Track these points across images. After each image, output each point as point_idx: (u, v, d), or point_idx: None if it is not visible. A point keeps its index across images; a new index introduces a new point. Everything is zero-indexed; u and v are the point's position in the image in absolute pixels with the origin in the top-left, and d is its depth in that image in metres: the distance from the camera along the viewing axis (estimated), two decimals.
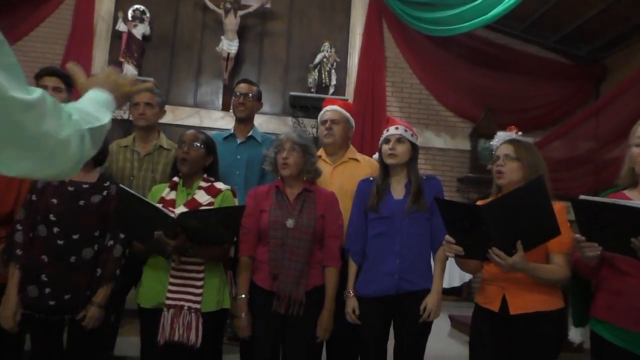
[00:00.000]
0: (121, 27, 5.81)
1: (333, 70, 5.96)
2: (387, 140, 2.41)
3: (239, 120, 3.06)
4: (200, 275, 2.19)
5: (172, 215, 2.05)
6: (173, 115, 5.83)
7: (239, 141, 3.02)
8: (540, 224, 1.87)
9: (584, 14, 5.67)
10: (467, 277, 5.45)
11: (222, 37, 5.87)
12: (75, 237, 2.16)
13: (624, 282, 1.83)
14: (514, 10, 4.44)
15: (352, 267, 2.41)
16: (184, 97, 6.11)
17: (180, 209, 2.18)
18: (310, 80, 5.93)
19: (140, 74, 5.76)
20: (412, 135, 2.43)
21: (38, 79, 2.72)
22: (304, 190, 2.37)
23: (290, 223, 2.28)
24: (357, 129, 4.77)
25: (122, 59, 5.75)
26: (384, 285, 2.30)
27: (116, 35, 5.93)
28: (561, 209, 1.97)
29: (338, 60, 6.02)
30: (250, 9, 5.96)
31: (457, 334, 4.46)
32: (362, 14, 6.24)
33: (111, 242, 2.22)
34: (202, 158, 2.33)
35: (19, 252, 2.17)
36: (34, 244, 2.18)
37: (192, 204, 2.23)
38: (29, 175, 0.92)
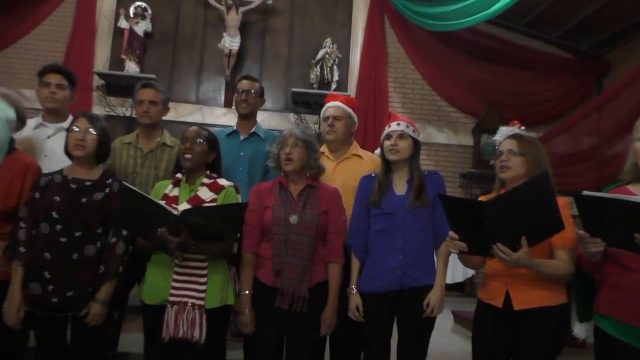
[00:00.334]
0: (123, 24, 5.81)
1: (335, 66, 5.96)
2: (388, 136, 2.41)
3: (241, 117, 3.06)
4: (204, 272, 2.20)
5: (175, 212, 2.05)
6: (175, 112, 5.82)
7: (241, 138, 3.02)
8: (544, 220, 1.86)
9: (587, 8, 5.65)
10: (470, 272, 5.45)
11: (224, 34, 5.87)
12: (77, 234, 2.17)
13: (628, 277, 1.83)
14: (516, 4, 4.43)
15: (355, 264, 2.42)
16: (186, 94, 6.11)
17: (183, 206, 2.19)
18: (312, 76, 5.92)
19: (142, 71, 5.76)
20: (413, 131, 2.43)
21: (41, 76, 2.73)
22: (307, 186, 2.37)
23: (293, 219, 2.28)
24: (360, 125, 4.77)
25: (124, 56, 5.75)
26: (387, 281, 2.31)
27: (118, 32, 5.92)
28: (564, 205, 1.97)
29: (340, 56, 6.01)
30: (252, 5, 5.95)
31: (460, 329, 4.47)
32: (363, 9, 6.23)
33: (114, 239, 2.22)
34: (205, 154, 2.33)
35: (22, 249, 2.18)
36: (36, 242, 2.18)
37: (195, 200, 2.23)
38: None
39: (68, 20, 5.93)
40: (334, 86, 5.89)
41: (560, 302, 2.05)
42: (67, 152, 2.29)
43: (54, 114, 2.74)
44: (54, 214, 2.16)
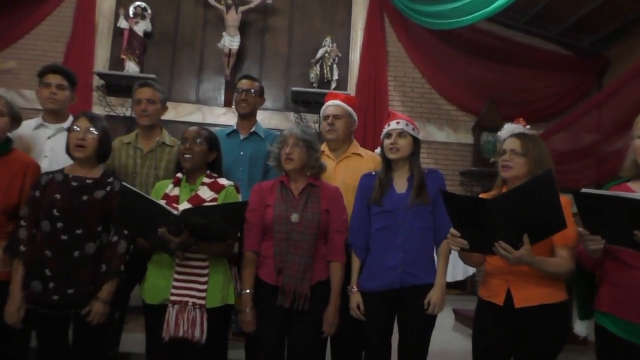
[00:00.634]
0: (122, 24, 5.80)
1: (335, 65, 5.95)
2: (388, 135, 2.41)
3: (241, 117, 3.06)
4: (205, 271, 2.20)
5: (175, 212, 2.05)
6: (175, 112, 5.83)
7: (242, 137, 3.02)
8: (547, 218, 1.86)
9: (586, 5, 5.64)
10: (471, 270, 5.45)
11: (224, 33, 5.86)
12: (78, 232, 2.17)
13: (628, 274, 1.83)
14: (516, 2, 4.42)
15: (356, 262, 2.42)
16: (186, 94, 6.11)
17: (184, 205, 2.19)
18: (312, 75, 5.92)
19: (142, 71, 5.76)
20: (413, 129, 2.43)
21: (41, 76, 2.73)
22: (308, 185, 2.37)
23: (294, 218, 2.29)
24: (360, 124, 4.76)
25: (123, 56, 5.75)
26: (388, 279, 2.31)
27: (118, 32, 5.92)
28: (566, 203, 1.96)
29: (340, 55, 6.00)
30: (252, 5, 5.95)
31: (461, 327, 4.47)
32: (363, 8, 6.23)
33: (115, 238, 2.23)
34: (205, 154, 2.33)
35: (22, 248, 2.19)
36: (37, 240, 2.19)
37: (196, 200, 2.23)
38: None
39: (68, 20, 5.93)
40: (333, 85, 5.89)
41: (561, 299, 2.06)
42: (69, 152, 2.30)
43: (54, 115, 2.75)
44: (55, 212, 2.16)
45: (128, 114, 5.72)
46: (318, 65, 5.93)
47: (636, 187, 1.89)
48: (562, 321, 2.07)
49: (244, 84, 3.04)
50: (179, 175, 2.34)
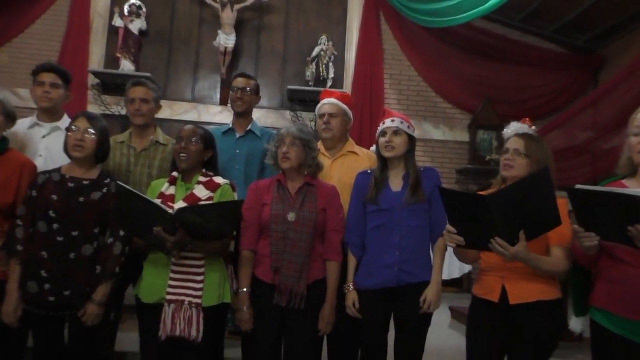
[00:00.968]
0: (117, 22, 5.78)
1: (331, 63, 5.95)
2: (383, 133, 2.41)
3: (237, 115, 3.05)
4: (201, 270, 2.20)
5: (171, 211, 2.05)
6: (171, 111, 5.82)
7: (237, 135, 3.02)
8: (543, 214, 1.87)
9: (582, 3, 5.65)
10: (467, 268, 5.47)
11: (219, 31, 5.86)
12: (74, 233, 2.17)
13: (623, 270, 1.84)
14: (512, 0, 4.43)
15: (352, 260, 2.42)
16: (182, 92, 6.10)
17: (179, 204, 2.18)
18: (307, 73, 5.92)
19: (137, 69, 5.74)
20: (408, 127, 2.42)
21: (35, 75, 2.71)
22: (305, 184, 2.37)
23: (291, 216, 2.29)
24: (355, 122, 4.76)
25: (119, 55, 5.73)
26: (384, 277, 2.31)
27: (113, 30, 5.90)
28: (563, 204, 1.97)
29: (335, 53, 6.00)
30: (247, 3, 5.94)
31: (457, 325, 4.48)
32: (358, 6, 6.22)
33: (111, 240, 2.22)
34: (201, 153, 2.32)
35: (19, 247, 2.18)
36: (33, 240, 2.18)
37: (191, 198, 2.23)
38: None
39: (62, 19, 5.91)
40: (329, 83, 5.89)
41: (555, 296, 2.06)
42: (67, 152, 2.29)
43: (48, 113, 2.73)
44: (51, 213, 2.16)
45: (123, 112, 5.70)
46: (314, 64, 5.93)
47: (631, 184, 1.90)
48: (557, 317, 2.07)
49: (239, 82, 3.03)
50: (175, 174, 2.34)
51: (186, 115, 5.92)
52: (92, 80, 5.84)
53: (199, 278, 2.19)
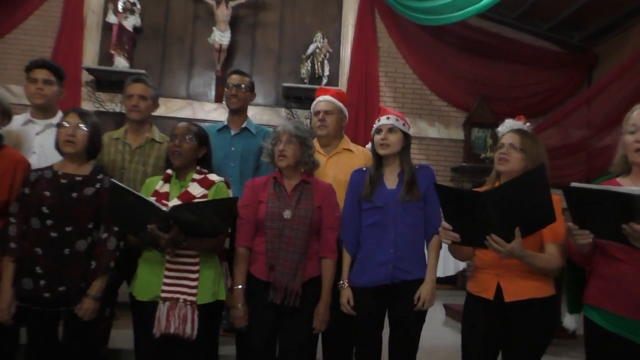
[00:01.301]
0: (112, 19, 5.76)
1: (326, 61, 5.95)
2: (378, 130, 2.41)
3: (232, 112, 3.04)
4: (195, 268, 2.19)
5: (164, 208, 2.04)
6: (166, 108, 5.80)
7: (233, 133, 3.01)
8: (538, 211, 1.88)
9: (576, 1, 5.67)
10: (462, 265, 5.48)
11: (214, 29, 5.84)
12: (68, 229, 2.16)
13: (616, 268, 1.84)
14: None
15: (346, 258, 2.42)
16: (177, 89, 6.08)
17: (174, 202, 2.18)
18: (303, 71, 5.91)
19: (131, 66, 5.72)
20: (404, 124, 2.43)
21: (28, 71, 2.70)
22: (301, 181, 2.37)
23: (287, 214, 2.28)
24: (351, 120, 4.77)
25: (113, 52, 5.71)
26: (378, 275, 2.31)
27: (107, 27, 5.88)
28: (557, 201, 1.98)
29: (331, 50, 6.00)
30: (242, 0, 5.92)
31: (452, 322, 4.50)
32: (354, 4, 6.22)
33: (105, 235, 2.22)
34: (195, 150, 2.31)
35: (12, 245, 2.18)
36: (27, 237, 2.18)
37: (186, 196, 2.22)
38: None
39: (56, 15, 5.88)
40: (325, 81, 5.89)
41: (549, 294, 2.07)
42: (58, 148, 2.28)
43: (42, 110, 2.72)
44: (44, 209, 2.15)
45: (117, 109, 5.69)
46: (309, 61, 5.92)
47: (625, 182, 1.91)
48: (552, 315, 2.09)
49: (234, 79, 3.02)
50: (169, 171, 2.33)
51: (181, 112, 5.90)
52: (86, 77, 5.81)
53: (194, 276, 2.18)
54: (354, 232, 2.41)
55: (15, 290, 2.15)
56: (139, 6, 5.83)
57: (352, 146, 2.82)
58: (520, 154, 2.12)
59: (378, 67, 6.20)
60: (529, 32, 6.40)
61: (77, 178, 2.24)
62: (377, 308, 2.36)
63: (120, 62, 5.67)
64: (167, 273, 2.18)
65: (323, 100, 2.77)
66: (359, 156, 2.75)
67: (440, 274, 5.41)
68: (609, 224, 1.69)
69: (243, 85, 3.00)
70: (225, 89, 3.05)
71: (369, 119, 5.66)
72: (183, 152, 2.27)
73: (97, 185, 2.25)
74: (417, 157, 5.96)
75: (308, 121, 5.41)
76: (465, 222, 1.91)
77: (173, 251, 2.16)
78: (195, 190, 2.25)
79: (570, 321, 2.18)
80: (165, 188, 2.28)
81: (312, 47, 5.93)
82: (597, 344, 1.91)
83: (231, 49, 5.97)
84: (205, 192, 2.25)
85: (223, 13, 5.82)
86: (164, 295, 2.16)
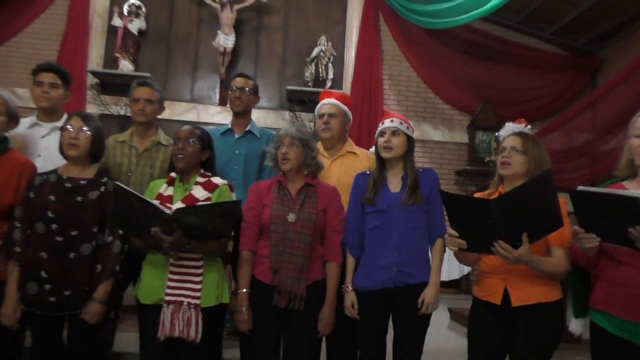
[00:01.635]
0: (117, 22, 5.79)
1: (330, 64, 5.96)
2: (382, 133, 2.41)
3: (236, 115, 3.05)
4: (199, 271, 2.19)
5: (168, 211, 2.04)
6: (170, 111, 5.80)
7: (236, 136, 3.01)
8: (546, 217, 1.87)
9: (580, 5, 5.67)
10: (466, 269, 5.47)
11: (219, 32, 5.86)
12: (73, 233, 2.16)
13: (622, 272, 1.83)
14: (511, 1, 4.44)
15: (350, 261, 2.41)
16: (181, 92, 6.10)
17: (178, 205, 2.18)
18: (307, 74, 5.92)
19: (136, 69, 5.75)
20: (407, 127, 2.42)
21: (34, 75, 2.71)
22: (305, 184, 2.37)
23: (291, 217, 2.28)
24: (355, 123, 4.76)
25: (118, 55, 5.73)
26: (382, 278, 2.31)
27: (112, 30, 5.91)
28: (562, 203, 1.97)
29: (335, 53, 6.01)
30: (246, 3, 5.94)
31: (456, 326, 4.48)
32: (358, 7, 6.23)
33: (110, 238, 2.22)
34: (198, 153, 2.32)
35: (17, 249, 2.18)
36: (32, 241, 2.18)
37: (189, 199, 2.22)
38: None
39: (61, 18, 5.91)
40: (328, 84, 5.90)
41: (556, 298, 2.06)
42: (62, 152, 2.28)
43: (48, 113, 2.73)
44: (49, 214, 2.15)
45: (122, 112, 5.71)
46: (313, 64, 5.93)
47: (631, 186, 1.90)
48: (558, 319, 2.07)
49: (238, 82, 3.03)
50: (173, 174, 2.33)
51: (185, 115, 5.91)
52: (91, 80, 5.83)
53: (198, 279, 2.18)
54: (358, 235, 2.41)
55: (20, 294, 2.15)
56: (144, 9, 5.86)
57: (356, 149, 2.82)
58: (522, 157, 2.11)
59: (382, 70, 6.20)
60: (534, 36, 6.40)
61: (82, 182, 2.25)
62: (381, 311, 2.35)
63: (125, 65, 5.69)
64: (170, 276, 2.18)
65: (327, 103, 2.77)
66: (362, 159, 2.75)
67: (444, 277, 5.41)
68: (615, 228, 1.69)
69: (247, 88, 3.00)
70: (229, 92, 3.05)
71: (373, 123, 5.67)
72: (187, 155, 2.27)
73: (102, 189, 2.25)
74: (421, 160, 5.96)
75: (312, 124, 5.42)
76: (472, 228, 1.90)
77: (177, 254, 2.16)
78: (199, 193, 2.25)
79: (576, 325, 2.16)
80: (169, 191, 2.28)
81: (316, 50, 5.94)
82: (603, 348, 1.90)
83: (235, 52, 5.98)
84: (209, 195, 2.26)
85: (227, 16, 5.83)
86: (167, 298, 2.16)
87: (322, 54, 5.92)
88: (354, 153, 2.78)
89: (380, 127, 2.43)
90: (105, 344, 2.61)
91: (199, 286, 2.17)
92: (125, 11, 5.79)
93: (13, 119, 2.43)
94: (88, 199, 2.21)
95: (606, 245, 1.84)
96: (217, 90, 6.11)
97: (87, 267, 2.18)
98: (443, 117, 6.33)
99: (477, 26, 6.05)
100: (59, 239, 2.15)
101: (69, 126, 2.25)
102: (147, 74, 5.27)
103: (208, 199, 2.24)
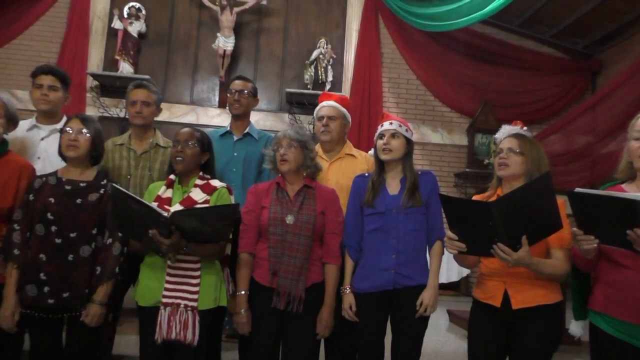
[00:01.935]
0: (117, 24, 5.80)
1: (329, 67, 5.97)
2: (381, 136, 2.41)
3: (235, 117, 3.05)
4: (197, 273, 2.19)
5: (165, 214, 2.04)
6: (169, 113, 5.82)
7: (235, 138, 3.01)
8: (545, 219, 1.87)
9: (580, 8, 5.68)
10: (465, 272, 5.48)
11: (218, 34, 5.87)
12: (73, 235, 2.16)
13: (621, 274, 1.84)
14: (511, 4, 4.45)
15: (349, 263, 2.41)
16: (181, 95, 6.11)
17: (176, 207, 2.18)
18: (306, 76, 5.93)
19: (136, 72, 5.76)
20: (406, 130, 2.43)
21: (34, 77, 2.71)
22: (304, 186, 2.37)
23: (290, 219, 2.28)
24: (354, 125, 4.78)
25: (118, 57, 5.74)
26: (381, 280, 2.31)
27: (112, 33, 5.92)
28: (561, 205, 1.97)
29: (334, 56, 6.02)
30: (246, 6, 5.96)
31: (455, 328, 4.47)
32: (358, 10, 6.25)
33: (110, 240, 2.22)
34: (198, 156, 2.32)
35: (16, 251, 2.17)
36: (31, 243, 2.18)
37: (188, 202, 2.22)
38: None
39: (62, 21, 5.92)
40: (328, 86, 5.91)
41: (556, 300, 2.06)
42: (61, 154, 2.28)
43: (47, 116, 2.73)
44: (49, 216, 2.15)
45: (122, 115, 5.72)
46: (313, 67, 5.94)
47: (630, 188, 1.90)
48: (558, 321, 2.07)
49: (237, 84, 3.03)
50: (172, 177, 2.33)
51: (185, 117, 5.93)
52: (91, 82, 5.84)
53: (195, 281, 2.18)
54: (357, 237, 2.41)
55: (19, 297, 2.15)
56: (144, 12, 5.87)
57: (355, 151, 2.82)
58: (520, 157, 2.12)
59: (381, 72, 6.21)
60: (533, 39, 6.41)
61: (81, 184, 2.25)
62: (380, 313, 2.35)
63: (125, 68, 5.70)
64: (168, 278, 2.18)
65: (326, 106, 2.78)
66: (361, 161, 2.75)
67: (444, 280, 5.41)
68: (613, 230, 1.69)
69: (246, 91, 3.01)
70: (228, 95, 3.05)
71: (372, 125, 5.68)
72: (186, 158, 2.27)
73: (101, 191, 2.25)
74: (420, 162, 5.97)
75: (311, 126, 5.43)
76: (471, 231, 1.90)
77: (174, 257, 2.16)
78: (198, 195, 2.25)
79: (576, 328, 2.16)
80: (168, 193, 2.28)
81: (315, 53, 5.95)
82: (603, 350, 1.90)
83: (235, 54, 6.00)
84: (207, 197, 2.25)
85: (227, 19, 5.85)
86: (165, 300, 2.15)
87: (321, 56, 5.93)
88: (352, 155, 2.78)
89: (380, 129, 2.44)
90: (104, 346, 2.60)
91: (196, 289, 2.17)
92: (125, 14, 5.80)
93: (12, 121, 2.43)
94: (88, 201, 2.21)
95: (605, 248, 1.85)
96: (217, 93, 6.12)
97: (87, 269, 2.18)
98: (442, 119, 6.34)
99: (476, 29, 6.07)
100: (58, 241, 2.15)
101: (68, 128, 2.26)
102: (147, 77, 5.27)
103: (206, 201, 2.24)
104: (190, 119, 5.92)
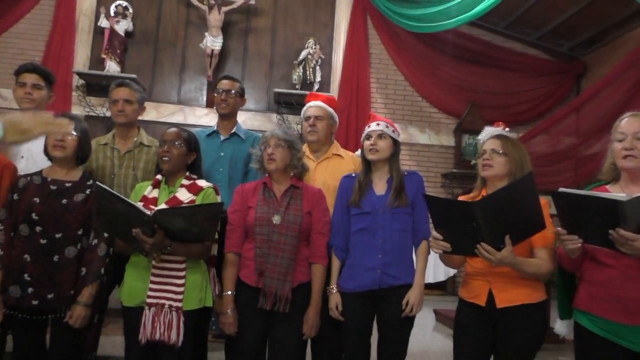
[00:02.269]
0: (103, 23, 5.75)
1: (318, 67, 5.97)
2: (368, 136, 2.42)
3: (222, 117, 3.04)
4: (182, 274, 2.17)
5: (149, 212, 2.03)
6: (157, 113, 5.79)
7: (222, 138, 3.00)
8: (528, 219, 1.90)
9: (565, 11, 5.74)
10: (452, 271, 5.51)
11: (206, 34, 5.85)
12: (58, 236, 2.15)
13: (605, 273, 1.86)
14: (498, 6, 4.49)
15: (335, 263, 2.42)
16: (168, 94, 6.07)
17: (162, 207, 2.17)
18: (294, 76, 5.93)
19: (122, 71, 5.72)
20: (393, 131, 2.44)
21: (17, 75, 2.69)
22: (291, 186, 2.37)
23: (276, 219, 2.28)
24: (342, 126, 4.78)
25: (104, 56, 5.70)
26: (367, 280, 2.31)
27: (98, 31, 5.87)
28: (544, 205, 2.00)
29: (323, 56, 6.02)
30: (234, 5, 5.94)
31: (441, 327, 4.50)
32: (346, 10, 6.26)
33: (95, 241, 2.20)
34: (184, 156, 2.31)
35: (0, 252, 2.14)
36: (15, 244, 2.16)
37: (174, 201, 2.21)
38: None
39: (47, 19, 5.86)
40: (316, 87, 5.91)
41: (540, 299, 2.09)
42: (47, 153, 2.26)
43: None
44: (34, 216, 2.13)
45: (108, 114, 5.66)
46: (301, 67, 5.94)
47: (614, 189, 1.93)
48: (542, 320, 2.10)
49: (224, 84, 3.02)
50: (159, 177, 2.32)
51: (172, 117, 5.89)
52: (76, 81, 5.79)
53: (180, 282, 2.17)
54: (344, 237, 2.41)
55: (3, 298, 2.12)
56: (131, 10, 5.83)
57: (342, 152, 2.83)
58: (503, 158, 2.14)
59: (369, 73, 6.23)
60: (519, 40, 6.47)
61: (67, 184, 2.23)
62: (366, 313, 2.36)
63: (112, 67, 5.66)
64: (153, 279, 2.16)
65: (314, 106, 2.78)
66: (348, 162, 2.75)
67: (430, 279, 5.44)
68: (596, 230, 1.71)
69: (233, 91, 3.00)
70: (215, 95, 3.04)
71: (360, 126, 5.69)
72: (172, 158, 2.26)
73: (87, 192, 2.23)
74: (407, 163, 5.99)
75: (299, 126, 5.42)
76: (456, 231, 1.92)
77: (159, 256, 2.14)
78: (184, 195, 2.24)
79: (561, 327, 2.18)
80: (154, 193, 2.27)
81: (304, 53, 5.95)
82: (587, 349, 1.93)
83: (223, 54, 5.98)
84: (194, 197, 2.24)
85: (215, 18, 5.83)
86: (149, 300, 2.14)
87: (310, 56, 5.93)
88: (339, 156, 2.79)
89: (367, 130, 2.45)
90: (89, 347, 2.58)
91: (181, 289, 2.16)
92: (112, 12, 5.76)
93: None
94: (73, 202, 2.19)
95: (589, 247, 1.87)
96: (205, 93, 6.09)
97: (72, 270, 2.16)
98: (430, 120, 6.37)
99: (464, 30, 6.11)
100: (43, 241, 2.13)
101: None
102: (134, 76, 5.24)
103: (192, 201, 2.23)
104: (177, 118, 5.89)
